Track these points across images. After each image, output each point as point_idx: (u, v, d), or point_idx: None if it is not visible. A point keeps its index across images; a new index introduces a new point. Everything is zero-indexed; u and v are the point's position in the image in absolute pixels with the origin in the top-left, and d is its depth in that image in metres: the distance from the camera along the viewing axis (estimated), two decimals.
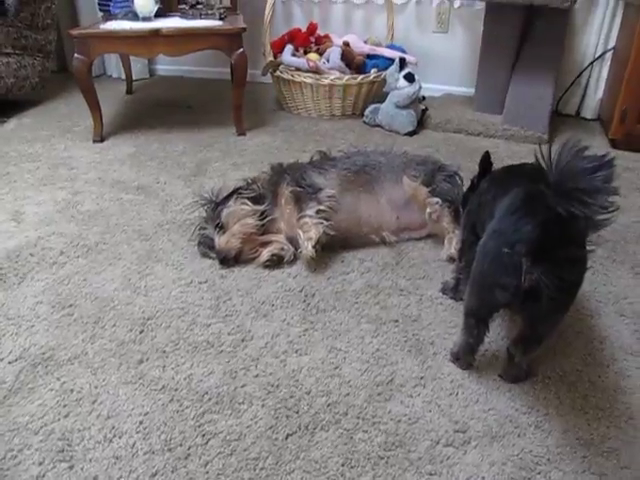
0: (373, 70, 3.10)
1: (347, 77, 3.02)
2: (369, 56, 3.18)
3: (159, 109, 3.26)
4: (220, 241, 1.74)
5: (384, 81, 3.00)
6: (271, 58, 3.16)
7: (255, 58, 3.16)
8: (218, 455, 1.13)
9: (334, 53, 3.07)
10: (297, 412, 1.23)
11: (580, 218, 1.02)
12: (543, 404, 1.26)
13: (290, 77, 3.06)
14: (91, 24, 2.76)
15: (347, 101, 3.10)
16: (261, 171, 2.00)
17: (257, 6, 3.34)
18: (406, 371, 1.35)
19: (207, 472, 1.09)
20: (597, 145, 2.70)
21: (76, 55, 2.52)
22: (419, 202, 1.87)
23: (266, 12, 3.10)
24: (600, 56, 3.06)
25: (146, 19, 2.68)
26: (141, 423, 1.20)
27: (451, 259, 1.76)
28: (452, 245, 1.77)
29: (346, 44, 3.15)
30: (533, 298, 1.11)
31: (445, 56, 3.44)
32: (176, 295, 1.61)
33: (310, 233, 1.71)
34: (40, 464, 1.10)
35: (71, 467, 1.10)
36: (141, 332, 1.46)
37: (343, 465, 1.11)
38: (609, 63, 3.06)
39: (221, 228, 1.76)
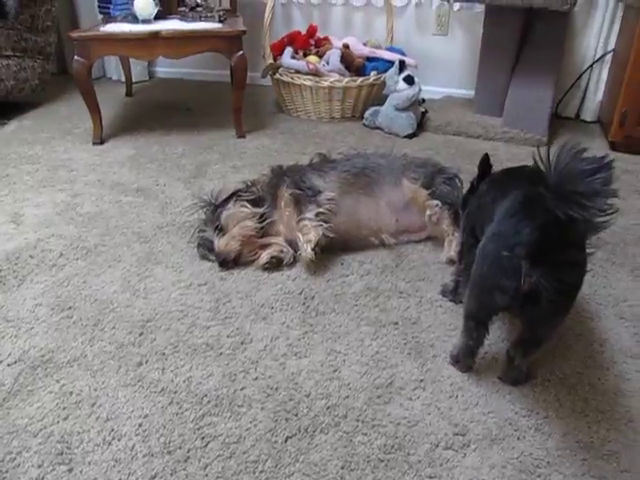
0: (373, 73, 3.10)
1: (347, 80, 3.03)
2: (369, 59, 3.19)
3: (159, 111, 3.26)
4: (219, 243, 1.74)
5: (384, 84, 3.01)
6: (271, 61, 3.17)
7: (255, 61, 3.16)
8: (217, 458, 1.13)
9: (334, 55, 3.07)
10: (296, 415, 1.23)
11: (579, 221, 1.02)
12: (543, 407, 1.26)
13: (290, 80, 3.06)
14: (91, 26, 2.76)
15: (347, 104, 3.10)
16: (261, 173, 2.00)
17: (257, 9, 3.35)
18: (406, 374, 1.35)
19: (206, 475, 1.09)
20: (597, 147, 2.70)
21: (76, 57, 2.53)
22: (419, 204, 1.87)
23: (266, 15, 3.10)
24: (600, 58, 3.06)
25: (146, 21, 2.68)
26: (140, 426, 1.20)
27: (451, 261, 1.76)
28: (452, 247, 1.77)
29: (346, 46, 3.15)
30: (532, 301, 1.11)
31: (445, 59, 3.44)
32: (175, 297, 1.61)
33: (309, 235, 1.71)
34: (39, 467, 1.10)
35: (70, 470, 1.09)
36: (140, 334, 1.46)
37: (343, 468, 1.11)
38: (609, 65, 3.07)
39: (220, 230, 1.76)
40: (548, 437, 1.19)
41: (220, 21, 2.80)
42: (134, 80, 3.65)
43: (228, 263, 1.74)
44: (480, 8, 3.10)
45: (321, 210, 1.77)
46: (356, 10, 3.53)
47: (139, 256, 1.80)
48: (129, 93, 3.56)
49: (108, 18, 2.84)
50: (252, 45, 3.00)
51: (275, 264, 1.75)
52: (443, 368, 1.37)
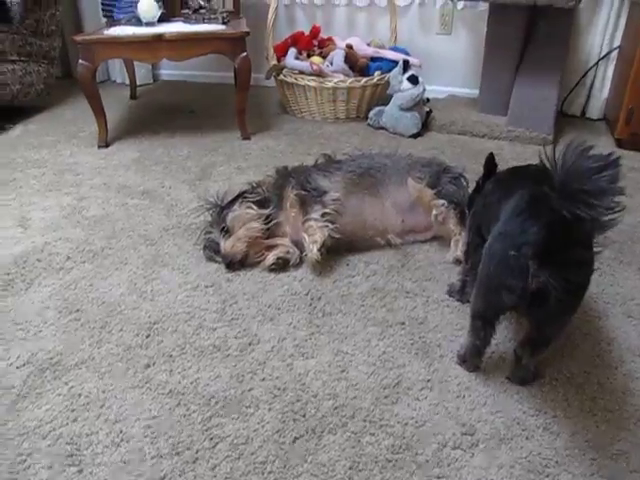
0: (377, 73, 3.10)
1: (351, 80, 3.02)
2: (372, 59, 3.19)
3: (163, 114, 3.27)
4: (226, 245, 1.74)
5: (388, 83, 3.01)
6: (274, 62, 3.17)
7: (259, 62, 3.16)
8: (226, 459, 1.13)
9: (337, 56, 3.07)
10: (304, 415, 1.23)
11: (586, 220, 1.01)
12: (551, 406, 1.26)
13: (294, 80, 3.06)
14: (95, 30, 2.77)
15: (351, 104, 3.10)
16: (266, 175, 2.01)
17: (260, 10, 3.35)
18: (413, 374, 1.35)
19: (215, 476, 1.10)
20: (603, 145, 2.69)
21: (80, 61, 2.54)
22: (424, 204, 1.87)
23: (269, 16, 3.11)
24: (606, 55, 3.05)
25: (149, 24, 2.69)
26: (149, 427, 1.20)
27: (457, 261, 1.76)
28: (458, 247, 1.77)
29: (349, 47, 3.15)
30: (540, 300, 1.10)
31: (449, 58, 3.44)
32: (182, 299, 1.61)
33: (315, 236, 1.71)
34: (49, 468, 1.10)
35: (80, 471, 1.10)
36: (148, 336, 1.47)
37: (351, 468, 1.11)
38: (614, 63, 3.05)
39: (227, 232, 1.76)
40: (556, 437, 1.19)
41: (223, 23, 2.81)
42: (138, 83, 3.66)
43: (234, 265, 1.74)
44: (484, 6, 3.10)
45: (327, 211, 1.77)
46: (359, 10, 3.53)
47: (145, 258, 1.81)
48: (133, 96, 3.57)
49: (112, 21, 2.85)
50: (256, 46, 3.00)
51: (281, 265, 1.75)
52: (450, 368, 1.37)
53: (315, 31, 3.31)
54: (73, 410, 1.24)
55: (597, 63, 3.09)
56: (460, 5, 3.29)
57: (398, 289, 1.67)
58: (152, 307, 1.58)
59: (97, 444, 1.16)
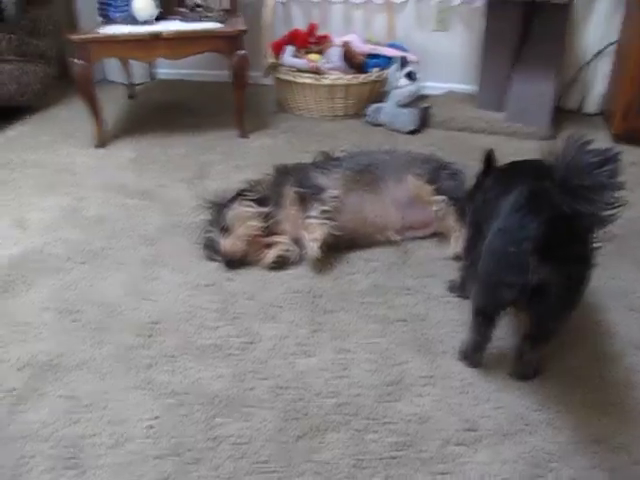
0: (374, 69, 3.09)
1: (348, 77, 3.02)
2: (370, 55, 3.17)
3: (160, 113, 3.26)
4: (225, 244, 1.74)
5: (385, 80, 3.00)
6: (272, 59, 3.16)
7: (256, 60, 3.15)
8: (229, 459, 1.13)
9: (335, 53, 3.06)
10: (306, 414, 1.23)
11: (586, 215, 1.01)
12: (553, 401, 1.26)
13: (291, 78, 3.05)
14: (91, 29, 2.76)
15: (349, 101, 3.09)
16: (264, 173, 2.00)
17: (258, 8, 3.34)
18: (415, 370, 1.35)
19: (218, 476, 1.09)
20: (600, 140, 2.66)
21: (76, 60, 2.52)
22: (424, 201, 1.87)
23: (266, 14, 3.10)
24: (603, 49, 3.04)
25: (146, 23, 2.68)
26: (150, 428, 1.20)
27: (457, 257, 1.75)
28: (458, 243, 1.76)
29: (346, 44, 3.14)
30: (540, 295, 1.10)
31: (446, 54, 3.43)
32: (182, 299, 1.61)
33: (315, 234, 1.71)
34: (50, 471, 1.10)
35: (81, 473, 1.10)
36: (148, 337, 1.46)
37: (354, 466, 1.11)
38: (611, 57, 3.05)
39: (226, 231, 1.76)
40: (559, 431, 1.19)
41: (220, 21, 2.79)
42: (135, 82, 3.64)
43: (234, 263, 1.74)
44: (481, 2, 3.09)
45: (326, 208, 1.76)
46: (356, 7, 3.52)
47: (145, 259, 1.80)
48: (130, 95, 3.55)
49: (108, 20, 2.83)
50: (253, 44, 2.99)
51: (281, 263, 1.75)
52: (452, 364, 1.36)
53: (312, 28, 3.29)
54: (74, 412, 1.23)
55: (594, 57, 3.08)
56: (457, 1, 3.28)
57: (399, 286, 1.66)
58: (152, 307, 1.58)
59: (99, 446, 1.15)
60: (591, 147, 1.03)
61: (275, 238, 1.80)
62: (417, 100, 2.92)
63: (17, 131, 2.96)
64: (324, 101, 3.08)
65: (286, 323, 1.51)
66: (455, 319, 1.51)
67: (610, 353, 1.40)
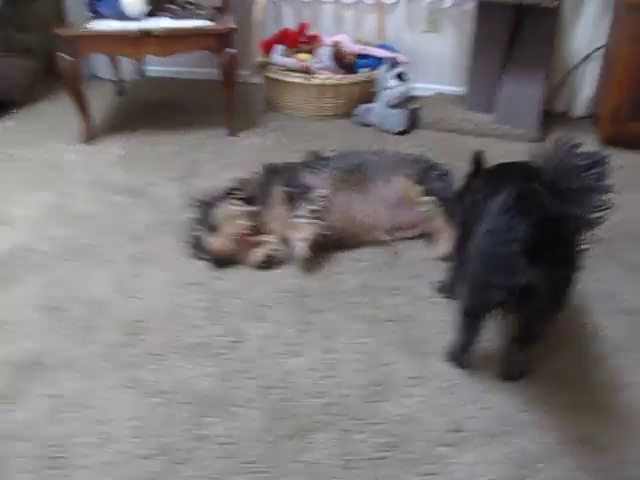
0: (364, 70, 3.09)
1: (338, 77, 3.01)
2: (360, 56, 3.17)
3: (149, 110, 3.23)
4: (213, 242, 1.73)
5: (375, 81, 3.00)
6: (262, 58, 3.15)
7: (246, 58, 3.14)
8: (216, 458, 1.12)
9: (325, 53, 3.06)
10: (294, 414, 1.22)
11: (574, 217, 1.02)
12: (539, 402, 1.26)
13: (281, 77, 3.04)
14: (79, 24, 2.73)
15: (338, 101, 3.09)
16: (253, 172, 1.99)
17: (247, 6, 3.32)
18: (403, 371, 1.35)
19: (205, 476, 1.09)
20: (588, 143, 2.69)
21: (64, 55, 2.50)
22: (412, 201, 1.87)
23: (257, 12, 3.09)
24: (591, 53, 3.06)
25: (135, 19, 2.65)
26: (135, 427, 1.19)
27: (445, 258, 1.75)
28: (446, 244, 1.76)
29: (337, 44, 3.14)
30: (528, 297, 1.10)
31: (436, 55, 3.43)
32: (170, 297, 1.60)
33: (303, 233, 1.70)
34: (36, 470, 1.09)
35: (64, 474, 1.08)
36: (135, 335, 1.45)
37: (342, 467, 1.11)
38: (599, 61, 3.07)
39: (214, 229, 1.75)
40: (545, 432, 1.19)
41: (211, 19, 2.78)
42: (124, 79, 3.62)
43: (222, 262, 1.73)
44: (471, 5, 3.10)
45: (315, 208, 1.76)
46: (347, 7, 3.51)
47: (132, 256, 1.79)
48: (119, 92, 3.52)
49: (97, 16, 2.80)
50: (243, 43, 2.97)
51: (269, 263, 1.74)
52: (440, 365, 1.37)
53: (302, 28, 3.29)
54: (59, 411, 1.22)
55: (583, 61, 3.10)
56: (447, 3, 3.29)
57: (387, 286, 1.66)
58: (139, 305, 1.56)
59: (84, 445, 1.14)
60: (579, 150, 1.04)
61: (263, 237, 1.79)
62: (407, 101, 2.92)
63: (3, 126, 2.92)
64: (314, 101, 3.07)
65: (274, 323, 1.50)
66: (443, 320, 1.51)
67: (596, 355, 1.41)
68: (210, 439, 1.16)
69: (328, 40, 3.21)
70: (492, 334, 1.44)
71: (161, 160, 2.52)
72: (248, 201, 1.81)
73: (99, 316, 1.51)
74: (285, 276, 1.71)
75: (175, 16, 2.77)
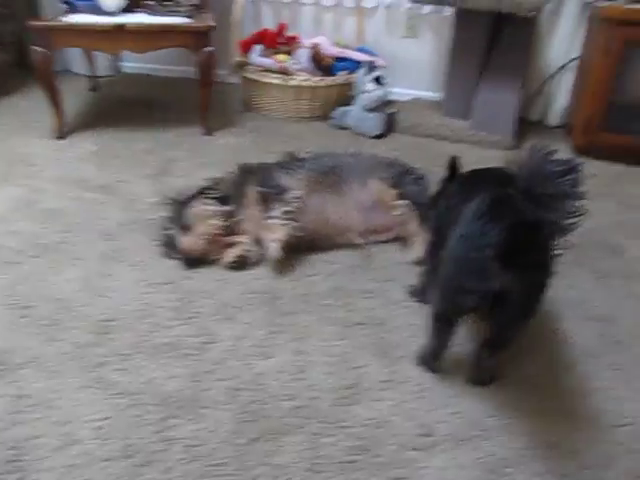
0: (342, 72, 3.09)
1: (316, 79, 3.01)
2: (338, 58, 3.18)
3: (124, 107, 3.19)
4: (184, 242, 1.70)
5: (352, 84, 3.00)
6: (239, 58, 3.13)
7: (224, 58, 3.12)
8: (180, 461, 1.10)
9: (303, 54, 3.05)
10: (263, 416, 1.21)
11: (548, 222, 1.02)
12: (509, 407, 1.27)
13: (258, 78, 3.03)
14: (53, 16, 2.68)
15: (315, 103, 3.08)
16: (227, 171, 1.97)
17: (227, 5, 3.30)
18: (372, 374, 1.34)
19: (168, 479, 1.06)
20: (562, 152, 2.72)
21: (36, 48, 2.45)
22: (386, 204, 1.87)
23: (235, 11, 3.07)
24: (566, 64, 3.11)
25: (111, 13, 2.62)
26: (99, 429, 1.16)
27: (419, 262, 1.75)
28: (420, 248, 1.76)
29: (315, 46, 3.13)
30: (501, 302, 1.11)
31: (414, 60, 3.45)
32: (138, 296, 1.57)
33: (276, 234, 1.69)
34: None
35: (25, 477, 1.05)
36: (102, 334, 1.42)
37: (309, 470, 1.09)
38: (574, 72, 3.12)
39: (186, 229, 1.73)
40: (514, 437, 1.19)
41: (188, 16, 2.75)
42: (99, 74, 3.56)
43: (193, 262, 1.70)
44: (449, 11, 3.12)
45: (288, 208, 1.74)
46: (326, 10, 3.51)
47: (101, 254, 1.75)
48: (93, 88, 3.47)
49: (71, 8, 2.75)
50: (221, 42, 2.95)
51: (241, 263, 1.72)
52: (410, 369, 1.36)
53: (281, 29, 3.28)
54: (18, 412, 1.18)
55: (556, 72, 3.15)
56: (426, 9, 3.31)
57: (359, 289, 1.66)
58: (106, 304, 1.53)
59: (43, 448, 1.11)
60: (554, 157, 1.04)
61: (236, 238, 1.77)
62: (384, 105, 2.93)
63: None
64: (291, 102, 3.06)
65: (244, 324, 1.48)
66: (414, 324, 1.51)
67: (565, 361, 1.42)
68: (176, 441, 1.14)
69: (307, 42, 3.21)
70: (463, 339, 1.45)
71: (134, 157, 2.49)
72: (222, 201, 1.79)
73: (65, 314, 1.48)
74: (257, 277, 1.69)
75: (152, 12, 2.75)
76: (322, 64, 3.10)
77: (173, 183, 2.17)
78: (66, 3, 2.77)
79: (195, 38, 2.59)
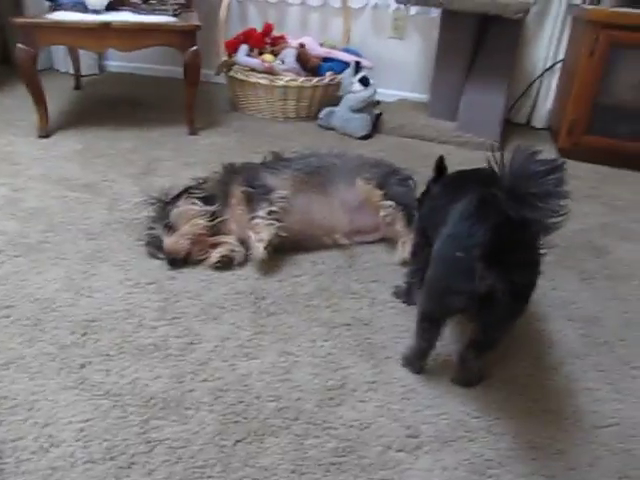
0: (328, 73, 3.09)
1: (302, 79, 3.01)
2: (325, 59, 3.18)
3: (108, 106, 3.17)
4: (169, 241, 1.69)
5: (339, 84, 3.00)
6: (225, 58, 3.12)
7: (209, 57, 3.10)
8: (163, 463, 1.08)
9: (289, 55, 3.05)
10: (246, 418, 1.20)
11: (533, 222, 1.02)
12: (494, 408, 1.27)
13: (244, 77, 3.02)
14: (37, 13, 2.65)
15: (301, 103, 3.08)
16: (212, 171, 1.96)
17: (213, 4, 3.29)
18: (358, 375, 1.33)
19: None
20: (546, 154, 2.75)
21: (20, 46, 2.42)
22: (372, 205, 1.86)
23: (222, 11, 3.05)
24: (551, 67, 3.14)
25: (96, 11, 2.59)
26: (81, 431, 1.14)
27: (404, 263, 1.75)
28: (405, 249, 1.76)
29: (302, 46, 3.13)
30: (487, 303, 1.10)
31: (400, 62, 3.46)
32: (122, 296, 1.55)
33: (261, 234, 1.68)
34: None
35: None
36: (84, 335, 1.40)
37: (293, 472, 1.08)
38: (558, 74, 3.14)
39: (170, 228, 1.71)
40: (499, 438, 1.19)
41: (174, 15, 2.74)
42: (84, 73, 3.54)
43: (177, 262, 1.69)
44: (436, 13, 3.13)
45: (274, 208, 1.74)
46: (313, 10, 3.52)
47: (84, 253, 1.73)
48: (78, 86, 3.44)
49: (56, 5, 2.73)
50: (207, 41, 2.94)
51: (226, 263, 1.71)
52: (395, 370, 1.36)
53: (267, 29, 3.27)
54: None
55: (544, 73, 3.17)
56: (413, 10, 3.32)
57: (344, 290, 1.65)
58: (90, 304, 1.51)
59: (23, 450, 1.09)
60: (538, 157, 1.04)
61: (221, 238, 1.76)
62: (370, 106, 2.93)
63: None
64: (277, 102, 3.06)
65: (228, 324, 1.47)
66: (400, 325, 1.51)
67: (550, 362, 1.42)
68: (158, 443, 1.12)
69: (293, 42, 3.21)
70: (448, 339, 1.45)
71: (119, 156, 2.47)
72: (206, 200, 1.78)
73: (47, 314, 1.46)
74: (241, 277, 1.68)
75: (138, 11, 2.73)
76: (308, 64, 3.09)
77: (158, 182, 2.16)
78: (50, 0, 2.74)
79: (181, 37, 2.57)
